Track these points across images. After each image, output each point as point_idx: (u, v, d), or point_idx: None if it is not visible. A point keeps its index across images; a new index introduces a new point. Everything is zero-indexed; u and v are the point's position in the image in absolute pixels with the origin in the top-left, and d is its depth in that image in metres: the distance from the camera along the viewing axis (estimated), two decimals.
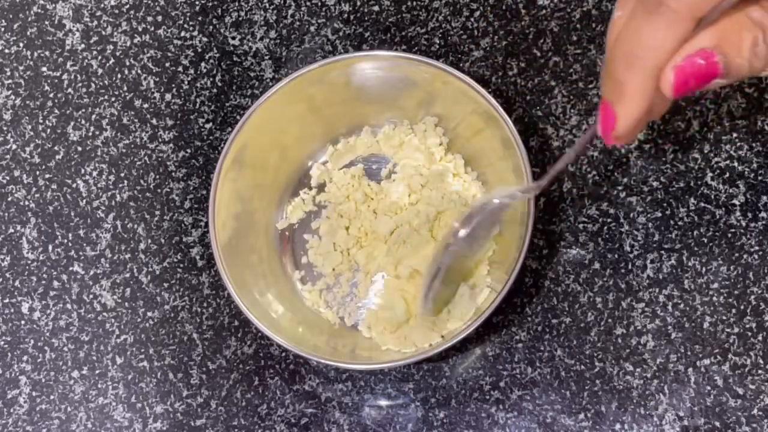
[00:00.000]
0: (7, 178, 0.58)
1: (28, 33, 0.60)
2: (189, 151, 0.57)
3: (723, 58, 0.33)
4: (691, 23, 0.32)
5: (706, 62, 0.33)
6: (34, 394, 0.54)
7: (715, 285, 0.52)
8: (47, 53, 0.60)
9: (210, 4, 0.60)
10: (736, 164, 0.53)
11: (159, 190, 0.57)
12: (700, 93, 0.54)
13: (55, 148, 0.58)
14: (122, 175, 0.57)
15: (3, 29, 0.61)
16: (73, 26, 0.60)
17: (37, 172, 0.58)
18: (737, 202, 0.53)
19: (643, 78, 0.33)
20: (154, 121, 0.58)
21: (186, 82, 0.58)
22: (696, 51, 0.33)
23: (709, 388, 0.50)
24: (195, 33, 0.59)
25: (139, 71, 0.59)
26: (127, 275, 0.55)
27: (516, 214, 0.49)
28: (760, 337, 0.51)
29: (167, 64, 0.59)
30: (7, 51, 0.60)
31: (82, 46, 0.60)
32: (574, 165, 0.54)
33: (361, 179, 0.55)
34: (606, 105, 0.35)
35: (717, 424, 0.49)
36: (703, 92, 0.51)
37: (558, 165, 0.44)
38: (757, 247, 0.52)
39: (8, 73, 0.60)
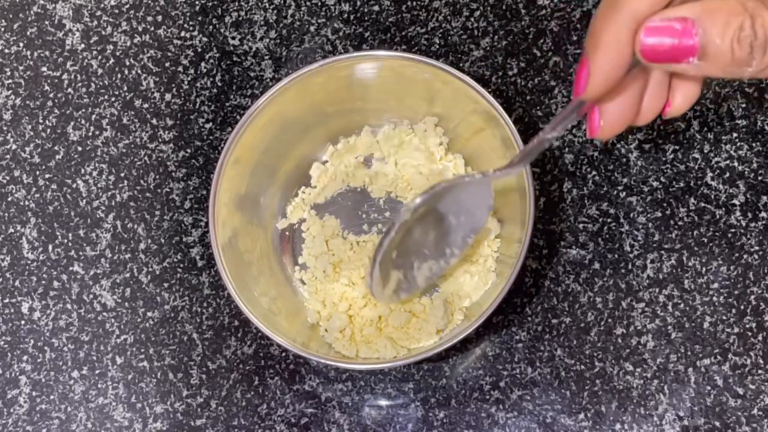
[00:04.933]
0: (7, 178, 0.58)
1: (28, 33, 0.60)
2: (189, 151, 0.57)
3: (702, 34, 0.31)
4: None
5: (683, 31, 0.32)
6: (34, 394, 0.54)
7: (715, 285, 0.52)
8: (47, 53, 0.60)
9: (210, 4, 0.60)
10: (736, 164, 0.53)
11: (159, 190, 0.57)
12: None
13: (55, 148, 0.58)
14: (122, 175, 0.57)
15: (3, 29, 0.61)
16: (73, 26, 0.60)
17: (37, 172, 0.58)
18: (737, 202, 0.53)
19: (617, 29, 0.32)
20: (154, 121, 0.58)
21: (186, 82, 0.58)
22: (676, 17, 0.32)
23: (709, 388, 0.50)
24: (195, 33, 0.59)
25: (139, 71, 0.59)
26: (127, 275, 0.55)
27: (516, 214, 0.49)
28: (760, 337, 0.51)
29: (167, 64, 0.59)
30: (7, 51, 0.60)
31: (82, 46, 0.60)
32: (573, 165, 0.54)
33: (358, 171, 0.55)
34: (583, 59, 0.34)
35: (717, 424, 0.49)
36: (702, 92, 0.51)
37: (529, 147, 0.42)
38: (757, 247, 0.52)
39: (8, 73, 0.60)
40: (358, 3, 0.59)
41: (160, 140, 0.58)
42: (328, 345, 0.51)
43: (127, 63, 0.59)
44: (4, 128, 0.59)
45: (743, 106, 0.54)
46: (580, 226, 0.53)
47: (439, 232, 0.48)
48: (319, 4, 0.59)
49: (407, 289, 0.49)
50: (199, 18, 0.60)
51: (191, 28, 0.60)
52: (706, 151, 0.54)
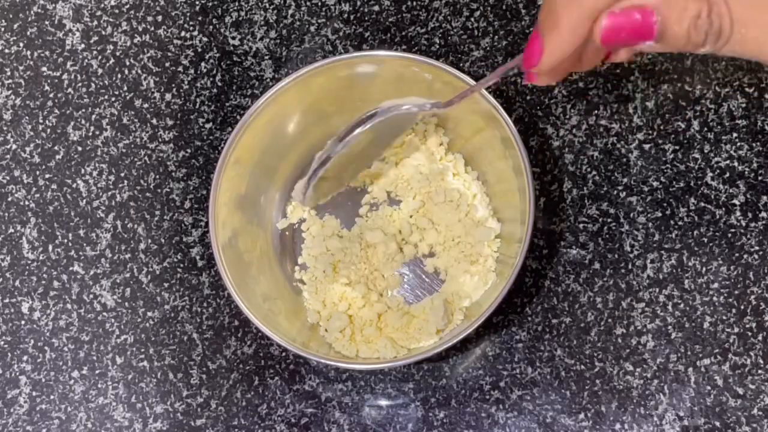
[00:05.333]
0: (7, 178, 0.58)
1: (28, 33, 0.60)
2: (189, 151, 0.57)
3: (661, 21, 0.33)
4: None
5: (643, 19, 0.33)
6: (34, 394, 0.54)
7: (715, 285, 0.52)
8: (47, 53, 0.60)
9: (210, 4, 0.60)
10: (736, 164, 0.53)
11: (159, 190, 0.57)
12: (695, 91, 0.54)
13: (55, 148, 0.58)
14: (122, 175, 0.57)
15: (3, 29, 0.61)
16: (73, 26, 0.60)
17: (37, 172, 0.58)
18: (737, 202, 0.53)
19: (579, 15, 0.34)
20: (154, 121, 0.58)
21: (186, 82, 0.58)
22: (636, 5, 0.33)
23: (709, 388, 0.50)
24: (195, 33, 0.59)
25: (139, 71, 0.59)
26: (127, 275, 0.55)
27: (516, 214, 0.49)
28: (760, 337, 0.51)
29: (167, 64, 0.59)
30: (7, 51, 0.60)
31: (82, 46, 0.60)
32: (573, 165, 0.54)
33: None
34: (536, 35, 0.35)
35: (717, 424, 0.49)
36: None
37: (471, 88, 0.44)
38: (757, 247, 0.52)
39: (8, 73, 0.60)
40: (358, 3, 0.59)
41: (160, 140, 0.58)
42: (328, 345, 0.51)
43: (127, 63, 0.59)
44: (4, 128, 0.59)
45: (743, 106, 0.54)
46: (580, 226, 0.53)
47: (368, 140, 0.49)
48: (319, 4, 0.59)
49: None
50: (199, 18, 0.60)
51: (191, 28, 0.60)
52: (706, 151, 0.54)
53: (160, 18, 0.60)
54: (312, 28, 0.59)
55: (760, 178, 0.53)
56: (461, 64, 0.57)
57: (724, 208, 0.53)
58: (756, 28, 0.33)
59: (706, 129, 0.54)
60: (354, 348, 0.51)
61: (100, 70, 0.59)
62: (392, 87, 0.52)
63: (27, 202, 0.57)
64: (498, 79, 0.42)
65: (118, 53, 0.59)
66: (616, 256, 0.53)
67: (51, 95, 0.59)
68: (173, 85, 0.59)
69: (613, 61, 0.39)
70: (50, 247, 0.56)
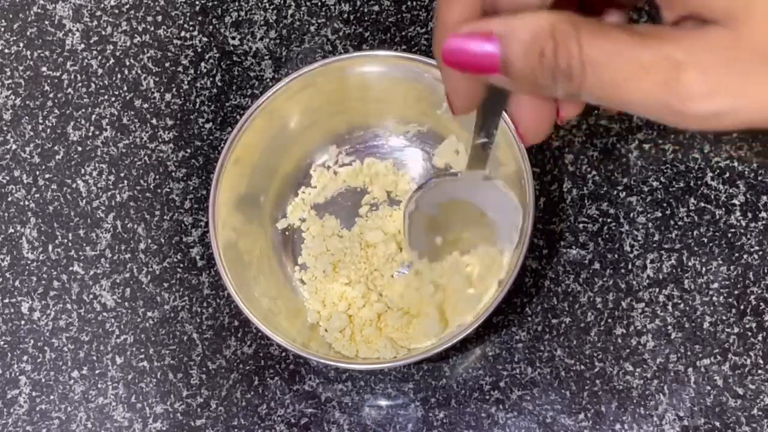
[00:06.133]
0: (7, 178, 0.58)
1: (28, 33, 0.60)
2: (189, 151, 0.57)
3: (504, 52, 0.29)
4: (477, 5, 0.31)
5: (483, 45, 0.30)
6: (34, 394, 0.54)
7: (715, 285, 0.52)
8: (47, 53, 0.60)
9: (210, 4, 0.60)
10: (736, 164, 0.53)
11: (159, 190, 0.57)
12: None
13: (55, 148, 0.58)
14: (122, 175, 0.57)
15: (3, 29, 0.61)
16: (73, 26, 0.60)
17: (37, 172, 0.58)
18: (737, 202, 0.53)
19: (439, 33, 0.32)
20: (154, 121, 0.58)
21: (186, 82, 0.58)
22: (479, 30, 0.30)
23: (709, 388, 0.50)
24: (195, 33, 0.59)
25: (139, 71, 0.59)
26: (127, 275, 0.55)
27: None
28: (760, 337, 0.51)
29: (167, 64, 0.59)
30: (7, 51, 0.60)
31: (82, 46, 0.60)
32: (573, 165, 0.54)
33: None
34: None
35: (717, 424, 0.49)
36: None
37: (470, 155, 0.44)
38: (757, 247, 0.52)
39: (8, 73, 0.60)
40: (358, 3, 0.59)
41: (160, 140, 0.58)
42: (328, 345, 0.51)
43: (127, 63, 0.59)
44: (4, 128, 0.59)
45: None
46: (580, 226, 0.53)
47: (485, 225, 0.48)
48: (319, 4, 0.59)
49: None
50: (199, 18, 0.60)
51: (191, 28, 0.60)
52: (706, 151, 0.54)
53: (160, 18, 0.60)
54: (312, 28, 0.59)
55: (760, 178, 0.53)
56: None
57: (724, 208, 0.53)
58: (611, 70, 0.29)
59: None
60: (354, 348, 0.51)
61: (100, 70, 0.59)
62: (392, 87, 0.53)
63: (27, 202, 0.57)
64: (496, 129, 0.41)
65: (118, 53, 0.59)
66: (616, 256, 0.53)
67: (51, 95, 0.59)
68: (173, 85, 0.59)
69: (564, 118, 0.37)
70: (50, 247, 0.56)
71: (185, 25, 0.60)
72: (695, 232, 0.53)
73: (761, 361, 0.50)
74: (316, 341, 0.51)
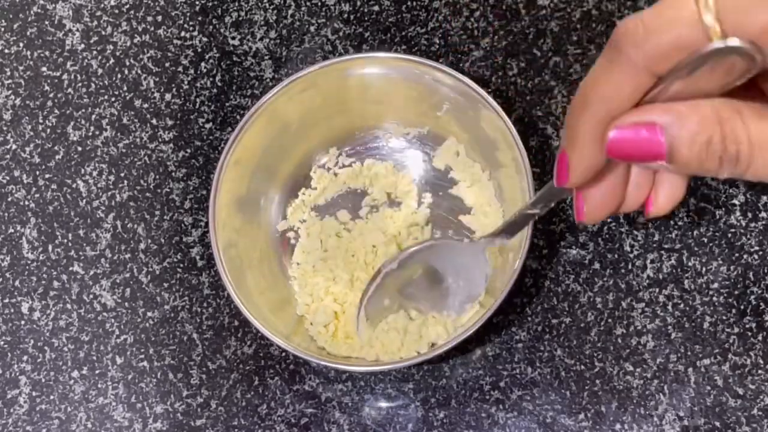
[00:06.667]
0: (7, 178, 0.58)
1: (28, 33, 0.60)
2: (189, 151, 0.57)
3: (670, 141, 0.30)
4: (648, 78, 0.30)
5: (649, 136, 0.30)
6: (34, 394, 0.54)
7: (715, 285, 0.52)
8: (47, 53, 0.60)
9: (210, 4, 0.60)
10: None
11: (159, 190, 0.57)
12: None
13: (55, 148, 0.58)
14: (122, 175, 0.57)
15: (3, 29, 0.61)
16: (73, 26, 0.60)
17: (37, 172, 0.58)
18: (737, 202, 0.53)
19: (593, 125, 0.31)
20: (154, 121, 0.58)
21: (186, 82, 0.58)
22: (644, 121, 0.30)
23: (709, 388, 0.50)
24: (195, 33, 0.59)
25: (139, 71, 0.59)
26: (127, 275, 0.55)
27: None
28: (760, 337, 0.51)
29: (167, 64, 0.59)
30: (7, 51, 0.60)
31: (82, 46, 0.60)
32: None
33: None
34: (563, 152, 0.33)
35: (717, 424, 0.49)
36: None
37: (511, 219, 0.45)
38: (757, 247, 0.52)
39: (8, 73, 0.60)
40: (358, 3, 0.59)
41: (160, 140, 0.58)
42: (310, 338, 0.51)
43: (127, 63, 0.59)
44: (4, 128, 0.59)
45: None
46: (580, 226, 0.53)
47: (439, 292, 0.51)
48: (319, 4, 0.59)
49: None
50: (199, 18, 0.60)
51: (191, 28, 0.60)
52: None
53: (160, 18, 0.60)
54: (312, 28, 0.59)
55: None
56: (461, 65, 0.57)
57: (724, 208, 0.53)
58: None
59: None
60: (337, 344, 0.51)
61: (100, 70, 0.59)
62: (392, 87, 0.53)
63: (27, 202, 0.57)
64: (552, 205, 0.42)
65: (118, 53, 0.59)
66: (616, 256, 0.53)
67: (51, 95, 0.59)
68: (173, 85, 0.59)
69: (655, 214, 0.37)
70: (50, 247, 0.56)
71: (185, 25, 0.60)
72: (695, 232, 0.53)
73: (761, 361, 0.50)
74: (300, 335, 0.51)
